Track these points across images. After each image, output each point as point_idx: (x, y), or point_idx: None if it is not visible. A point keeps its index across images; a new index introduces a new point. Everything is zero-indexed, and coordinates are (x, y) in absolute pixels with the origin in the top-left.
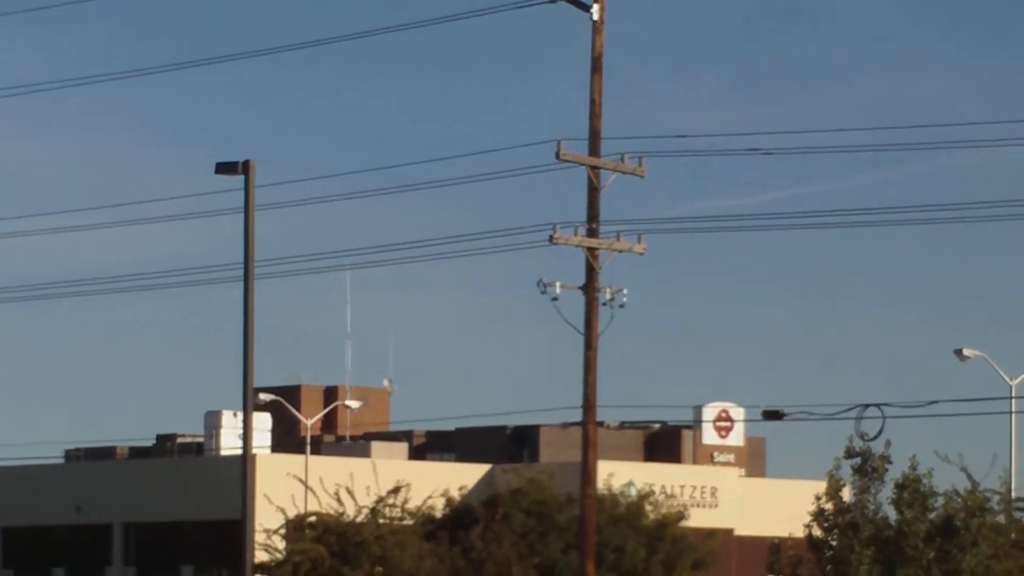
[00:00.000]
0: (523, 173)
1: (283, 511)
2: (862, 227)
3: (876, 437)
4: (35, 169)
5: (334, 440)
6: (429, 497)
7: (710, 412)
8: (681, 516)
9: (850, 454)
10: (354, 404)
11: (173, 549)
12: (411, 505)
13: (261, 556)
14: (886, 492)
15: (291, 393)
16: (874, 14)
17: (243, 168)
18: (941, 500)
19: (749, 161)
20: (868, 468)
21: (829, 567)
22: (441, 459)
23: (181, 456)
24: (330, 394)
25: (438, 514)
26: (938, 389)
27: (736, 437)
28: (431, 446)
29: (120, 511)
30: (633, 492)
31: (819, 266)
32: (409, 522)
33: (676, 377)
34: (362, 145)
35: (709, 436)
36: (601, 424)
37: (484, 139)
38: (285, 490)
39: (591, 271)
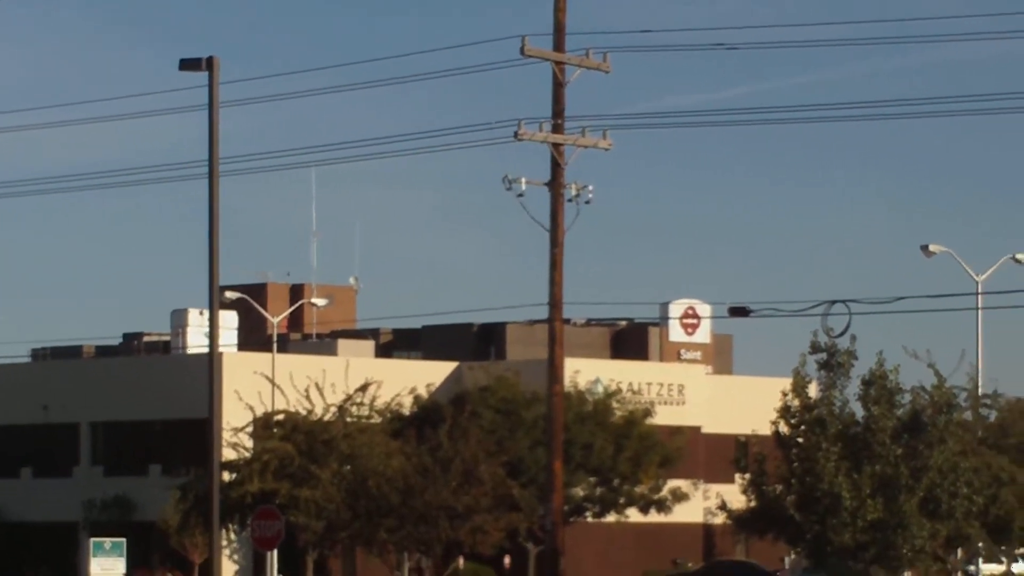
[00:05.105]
0: (488, 69)
1: (251, 409)
2: (829, 122)
3: (843, 333)
4: None
5: (300, 338)
6: (397, 395)
7: (676, 309)
8: (648, 413)
9: (815, 349)
10: (320, 302)
11: (140, 448)
12: (379, 403)
13: (229, 454)
14: (853, 389)
15: (257, 291)
16: None
17: (207, 65)
18: (908, 397)
19: (714, 56)
20: (834, 364)
21: (796, 464)
22: (408, 357)
23: (148, 355)
24: (296, 292)
25: (406, 412)
26: (905, 285)
27: (703, 334)
28: (398, 344)
29: (87, 410)
30: (600, 389)
31: (785, 162)
32: (377, 420)
33: (642, 274)
34: (326, 42)
35: (676, 333)
36: (568, 321)
37: (449, 35)
38: (252, 388)
39: (556, 167)
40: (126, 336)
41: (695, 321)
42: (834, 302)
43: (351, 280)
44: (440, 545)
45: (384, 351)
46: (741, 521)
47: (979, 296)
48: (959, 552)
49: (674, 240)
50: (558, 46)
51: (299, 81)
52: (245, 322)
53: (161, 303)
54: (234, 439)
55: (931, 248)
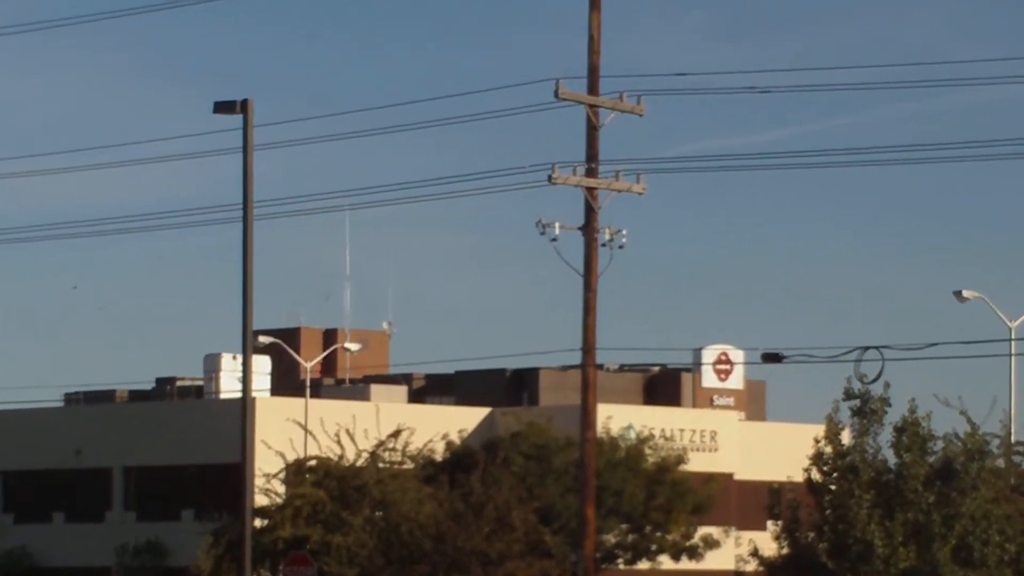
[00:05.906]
0: (522, 112)
1: (282, 455)
2: (862, 166)
3: (875, 380)
4: (34, 109)
5: (333, 383)
6: (429, 441)
7: (710, 355)
8: (680, 460)
9: (849, 396)
10: (353, 347)
11: (173, 493)
12: (411, 449)
13: (261, 500)
14: (885, 435)
15: (290, 336)
16: None
17: (241, 107)
18: (940, 443)
19: (747, 100)
20: (867, 410)
21: (829, 511)
22: (440, 402)
23: (181, 399)
24: (329, 337)
25: (438, 458)
26: (937, 331)
27: (736, 380)
28: (431, 389)
29: (120, 455)
30: (632, 435)
31: (818, 206)
32: (409, 466)
33: (675, 319)
34: (361, 85)
35: (709, 379)
36: (600, 367)
37: (483, 78)
38: (285, 433)
39: (590, 211)
40: (159, 381)
41: (728, 367)
42: (867, 348)
43: (384, 325)
44: None
45: (417, 396)
46: (773, 568)
47: (1012, 342)
48: None
49: (708, 285)
50: (592, 89)
51: (332, 124)
52: (278, 367)
53: (194, 348)
54: (266, 485)
55: (964, 294)
